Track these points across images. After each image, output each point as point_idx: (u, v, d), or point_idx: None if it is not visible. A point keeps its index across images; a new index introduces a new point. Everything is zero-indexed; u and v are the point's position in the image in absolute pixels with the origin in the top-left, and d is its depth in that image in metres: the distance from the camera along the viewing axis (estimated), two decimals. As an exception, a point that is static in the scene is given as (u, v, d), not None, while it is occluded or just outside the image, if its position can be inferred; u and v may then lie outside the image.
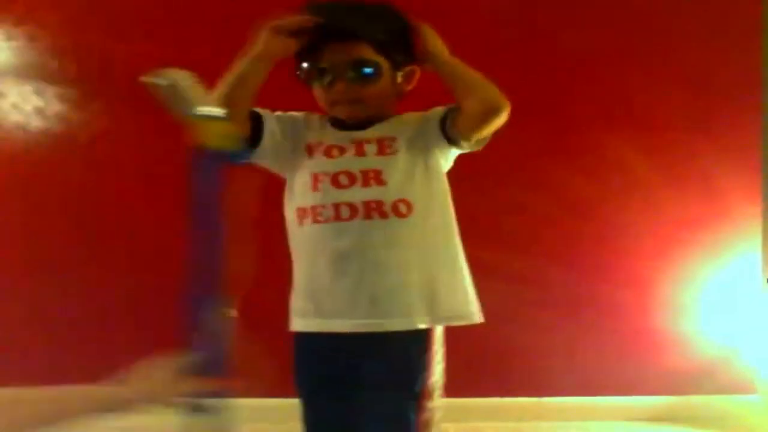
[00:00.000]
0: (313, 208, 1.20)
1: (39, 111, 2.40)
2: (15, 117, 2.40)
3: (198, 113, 0.94)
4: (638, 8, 2.46)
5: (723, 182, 2.46)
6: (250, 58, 1.22)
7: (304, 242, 1.23)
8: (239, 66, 1.22)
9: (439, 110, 1.27)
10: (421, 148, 1.24)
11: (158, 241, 2.41)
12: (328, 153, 1.23)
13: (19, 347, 2.38)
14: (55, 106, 2.40)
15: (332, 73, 1.21)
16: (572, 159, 2.44)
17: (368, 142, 1.22)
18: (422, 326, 1.19)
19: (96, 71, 2.40)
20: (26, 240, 2.41)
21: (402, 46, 1.24)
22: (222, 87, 1.20)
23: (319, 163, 1.23)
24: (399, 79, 1.26)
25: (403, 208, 1.18)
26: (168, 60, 2.52)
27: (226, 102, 1.12)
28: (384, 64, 1.22)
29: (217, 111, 0.95)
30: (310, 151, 1.26)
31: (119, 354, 2.54)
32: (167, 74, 0.96)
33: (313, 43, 1.21)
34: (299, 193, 1.23)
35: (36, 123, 2.40)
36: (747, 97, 2.48)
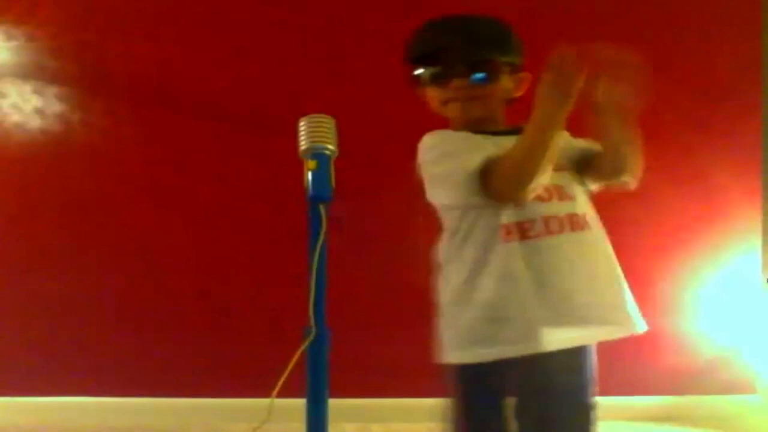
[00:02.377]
0: (519, 224, 1.16)
1: (39, 111, 2.40)
2: (15, 117, 2.40)
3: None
4: (638, 8, 2.46)
5: (723, 182, 2.46)
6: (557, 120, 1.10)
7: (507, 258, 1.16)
8: (542, 136, 1.11)
9: (582, 143, 1.29)
10: (568, 165, 1.27)
11: (158, 241, 2.41)
12: None
13: (19, 347, 2.38)
14: (55, 106, 2.40)
15: (449, 73, 1.24)
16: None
17: None
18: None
19: (96, 71, 2.40)
20: (26, 240, 2.41)
21: (519, 54, 1.30)
22: (527, 164, 1.10)
23: None
24: (511, 84, 1.30)
25: (591, 221, 1.26)
26: (168, 60, 2.54)
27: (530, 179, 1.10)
28: (502, 68, 1.27)
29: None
30: None
31: (120, 354, 2.56)
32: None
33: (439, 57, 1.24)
34: (498, 211, 1.17)
35: (36, 123, 2.40)
36: (747, 97, 2.48)
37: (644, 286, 2.47)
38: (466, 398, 1.21)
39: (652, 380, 2.45)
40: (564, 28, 2.45)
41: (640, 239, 2.47)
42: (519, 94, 1.32)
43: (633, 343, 2.57)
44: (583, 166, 1.29)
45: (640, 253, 2.48)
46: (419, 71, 1.28)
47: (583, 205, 1.25)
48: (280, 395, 1.09)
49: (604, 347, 2.47)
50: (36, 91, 2.40)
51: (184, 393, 2.36)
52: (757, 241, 2.50)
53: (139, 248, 2.41)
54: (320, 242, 0.95)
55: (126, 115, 2.40)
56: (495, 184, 1.11)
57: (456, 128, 1.28)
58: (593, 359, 1.32)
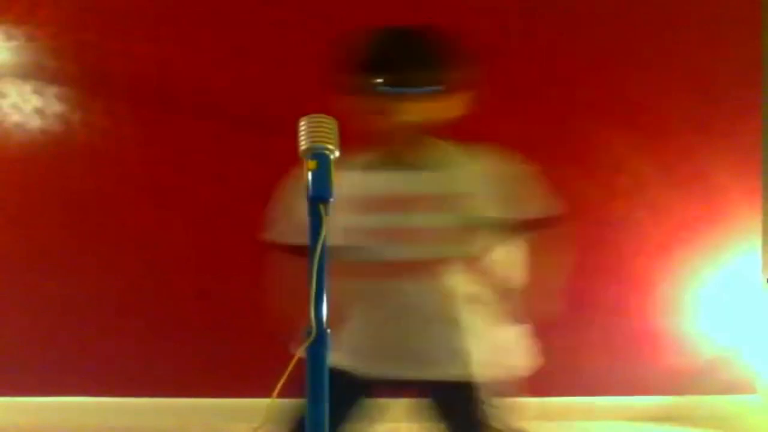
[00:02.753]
0: None
1: (39, 111, 2.40)
2: (15, 117, 2.40)
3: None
4: (638, 9, 2.46)
5: (723, 182, 2.46)
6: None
7: None
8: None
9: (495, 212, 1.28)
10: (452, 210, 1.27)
11: (158, 241, 2.41)
12: None
13: (19, 347, 2.38)
14: (55, 106, 2.40)
15: (405, 86, 1.23)
16: (572, 159, 2.44)
17: None
18: None
19: (96, 71, 2.40)
20: (26, 240, 2.41)
21: (468, 71, 1.27)
22: None
23: None
24: (458, 102, 1.28)
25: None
26: (168, 60, 2.53)
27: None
28: (455, 85, 1.25)
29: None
30: None
31: (120, 354, 2.56)
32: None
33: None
34: None
35: (36, 123, 2.40)
36: (747, 97, 2.48)
37: (644, 286, 2.48)
38: None
39: (652, 380, 2.45)
40: (564, 29, 2.45)
41: (641, 239, 2.47)
42: (464, 111, 1.30)
43: (633, 343, 2.59)
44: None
45: (641, 253, 2.48)
46: (370, 81, 1.25)
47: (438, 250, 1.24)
48: (280, 395, 1.09)
49: (605, 347, 2.46)
50: (36, 91, 2.40)
51: (184, 393, 2.36)
52: (757, 241, 2.50)
53: (139, 248, 2.41)
54: (320, 242, 0.95)
55: (126, 115, 2.40)
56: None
57: (380, 140, 1.29)
58: None
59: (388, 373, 1.26)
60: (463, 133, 2.35)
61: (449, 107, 1.26)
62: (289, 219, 1.26)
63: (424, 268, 1.22)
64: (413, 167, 1.26)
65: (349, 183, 1.16)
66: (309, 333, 0.94)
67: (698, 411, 2.41)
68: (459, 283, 1.27)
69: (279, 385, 1.05)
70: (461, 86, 1.27)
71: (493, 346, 1.30)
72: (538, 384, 2.45)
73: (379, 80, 1.24)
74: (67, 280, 2.38)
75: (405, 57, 1.25)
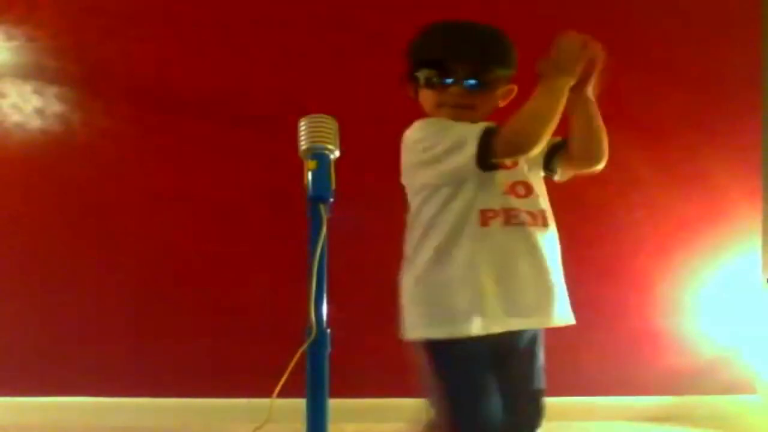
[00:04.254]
0: (506, 211, 1.26)
1: (39, 111, 2.40)
2: (15, 117, 2.40)
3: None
4: (638, 9, 2.47)
5: (723, 182, 2.47)
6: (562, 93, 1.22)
7: (489, 242, 1.25)
8: (554, 103, 1.21)
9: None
10: (535, 161, 1.35)
11: (158, 241, 2.41)
12: None
13: (19, 347, 2.38)
14: (55, 106, 2.40)
15: (450, 79, 1.30)
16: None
17: None
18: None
19: (96, 71, 2.40)
20: (25, 239, 2.41)
21: (515, 67, 1.37)
22: (538, 125, 1.20)
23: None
24: (500, 94, 1.37)
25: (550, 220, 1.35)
26: (168, 60, 2.53)
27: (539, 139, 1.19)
28: (500, 81, 1.34)
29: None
30: None
31: (120, 354, 2.56)
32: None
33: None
34: (483, 195, 1.26)
35: (36, 123, 2.40)
36: (747, 97, 2.48)
37: (645, 286, 2.48)
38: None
39: (652, 380, 2.45)
40: (564, 29, 2.45)
41: (641, 239, 2.47)
42: (504, 104, 1.38)
43: (633, 343, 2.59)
44: (550, 158, 1.38)
45: (641, 253, 2.48)
46: (421, 72, 1.32)
47: (545, 202, 1.34)
48: (280, 395, 1.09)
49: (605, 347, 2.48)
50: (36, 91, 2.40)
51: (184, 393, 2.36)
52: (757, 241, 2.50)
53: (139, 248, 2.40)
54: (320, 242, 0.95)
55: (126, 115, 2.39)
56: (500, 143, 1.18)
57: None
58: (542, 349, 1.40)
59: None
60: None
61: (489, 102, 1.34)
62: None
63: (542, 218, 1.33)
64: None
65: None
66: (309, 333, 0.94)
67: (698, 411, 2.41)
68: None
69: (279, 386, 1.05)
70: (503, 83, 1.36)
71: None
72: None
73: (456, 74, 1.30)
74: (67, 279, 2.38)
75: (483, 53, 1.32)
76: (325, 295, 0.96)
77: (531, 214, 1.28)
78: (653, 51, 2.47)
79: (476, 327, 1.21)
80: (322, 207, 0.97)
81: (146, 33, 2.40)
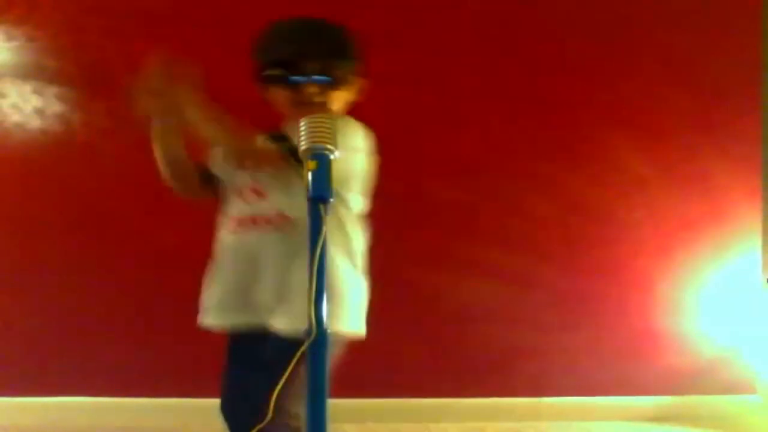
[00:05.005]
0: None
1: (39, 111, 2.40)
2: (15, 117, 2.40)
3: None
4: (639, 10, 2.47)
5: (723, 182, 2.47)
6: (157, 142, 1.39)
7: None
8: (157, 151, 1.39)
9: None
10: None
11: (158, 241, 2.41)
12: None
13: (19, 347, 2.38)
14: (55, 106, 2.40)
15: (303, 76, 1.33)
16: (573, 159, 2.44)
17: None
18: None
19: (96, 71, 2.40)
20: (25, 239, 2.41)
21: (362, 62, 1.40)
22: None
23: None
24: (353, 90, 1.41)
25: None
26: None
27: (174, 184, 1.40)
28: (350, 75, 1.37)
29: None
30: None
31: (120, 354, 2.55)
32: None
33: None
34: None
35: (36, 123, 2.40)
36: (747, 97, 2.48)
37: (645, 286, 2.48)
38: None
39: (652, 380, 2.45)
40: (564, 30, 2.45)
41: (641, 239, 2.47)
42: (356, 99, 1.42)
43: (633, 343, 2.59)
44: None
45: (641, 253, 2.48)
46: (272, 72, 1.38)
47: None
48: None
49: (605, 347, 2.47)
50: (36, 91, 2.40)
51: (184, 393, 2.36)
52: (757, 241, 2.50)
53: (139, 248, 2.40)
54: (320, 242, 0.95)
55: (126, 115, 2.39)
56: None
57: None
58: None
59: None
60: (462, 134, 2.37)
61: (343, 97, 1.38)
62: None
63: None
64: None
65: None
66: (309, 333, 0.94)
67: (698, 411, 2.41)
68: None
69: (279, 386, 1.05)
70: (354, 77, 1.38)
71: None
72: (537, 384, 2.46)
73: (280, 70, 1.35)
74: (67, 280, 2.38)
75: (332, 49, 1.37)
76: (325, 295, 0.96)
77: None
78: (653, 51, 2.47)
79: None
80: (322, 207, 0.97)
81: (146, 33, 2.40)
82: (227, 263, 1.39)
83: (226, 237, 1.41)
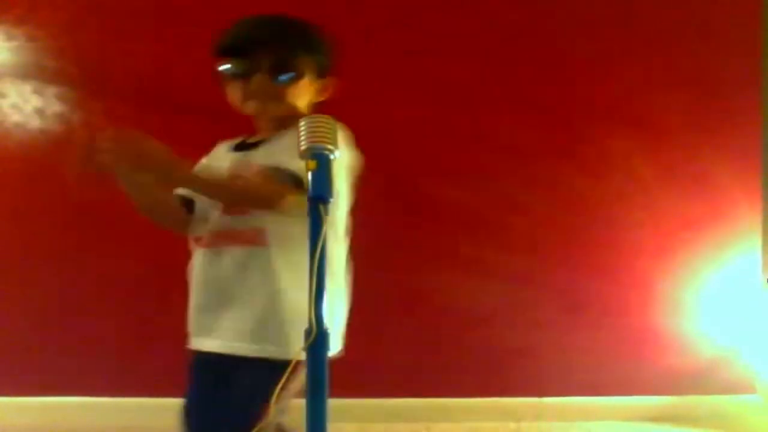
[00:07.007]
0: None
1: (39, 111, 2.40)
2: (15, 117, 2.40)
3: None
4: (639, 9, 2.47)
5: (723, 182, 2.46)
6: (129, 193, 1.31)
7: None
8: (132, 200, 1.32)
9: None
10: None
11: (158, 241, 2.41)
12: None
13: (19, 347, 2.38)
14: (55, 106, 2.40)
15: (252, 69, 1.26)
16: (573, 159, 2.44)
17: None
18: None
19: (96, 71, 2.40)
20: (26, 239, 2.41)
21: (327, 56, 1.32)
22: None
23: None
24: (316, 87, 1.31)
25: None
26: (168, 60, 2.53)
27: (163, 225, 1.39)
28: (306, 68, 1.27)
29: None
30: None
31: (120, 354, 2.55)
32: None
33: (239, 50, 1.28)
34: None
35: (36, 123, 2.40)
36: (747, 97, 2.48)
37: (645, 286, 2.48)
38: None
39: (652, 380, 2.45)
40: (564, 30, 2.45)
41: (641, 239, 2.47)
42: (324, 97, 1.33)
43: (633, 343, 2.58)
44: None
45: (641, 253, 2.48)
46: (224, 66, 1.31)
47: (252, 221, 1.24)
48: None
49: (605, 347, 2.47)
50: (36, 91, 2.40)
51: (184, 393, 2.36)
52: (757, 241, 2.50)
53: (139, 248, 2.40)
54: (320, 242, 0.95)
55: (126, 115, 2.39)
56: None
57: (257, 126, 1.35)
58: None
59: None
60: (462, 134, 2.37)
61: (304, 93, 1.28)
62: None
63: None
64: (253, 148, 1.31)
65: (210, 157, 1.40)
66: (309, 333, 0.94)
67: (698, 411, 2.41)
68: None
69: (279, 386, 1.05)
70: (316, 73, 1.29)
71: None
72: (537, 384, 2.46)
73: (229, 66, 1.30)
74: (68, 279, 2.38)
75: (284, 39, 1.27)
76: (325, 295, 0.96)
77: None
78: (653, 51, 2.47)
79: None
80: (321, 207, 0.97)
81: (146, 33, 2.40)
82: (196, 284, 1.36)
83: (197, 255, 1.37)
